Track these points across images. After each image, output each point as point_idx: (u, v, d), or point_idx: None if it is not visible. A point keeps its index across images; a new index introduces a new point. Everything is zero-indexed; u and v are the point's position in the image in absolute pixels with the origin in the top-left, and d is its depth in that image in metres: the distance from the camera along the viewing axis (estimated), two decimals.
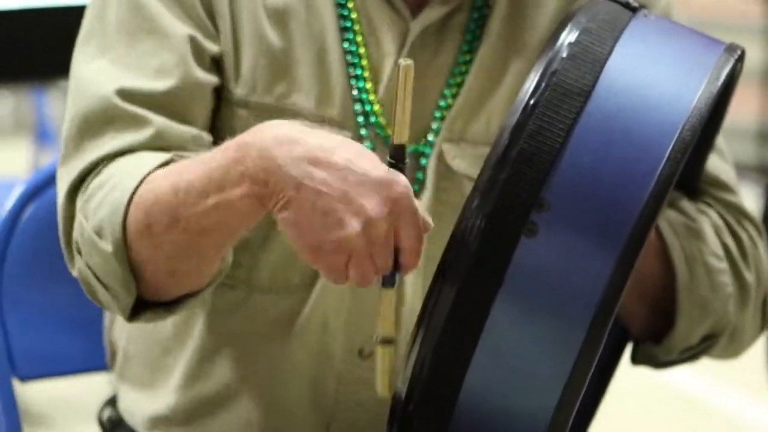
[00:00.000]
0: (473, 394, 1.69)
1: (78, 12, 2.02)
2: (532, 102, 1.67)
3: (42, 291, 2.15)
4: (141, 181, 1.79)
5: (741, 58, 1.83)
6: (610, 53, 1.73)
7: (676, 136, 1.69)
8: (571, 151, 1.67)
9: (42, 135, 4.92)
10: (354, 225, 1.66)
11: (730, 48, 1.81)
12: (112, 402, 2.12)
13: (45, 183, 2.18)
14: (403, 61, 1.67)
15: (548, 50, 1.71)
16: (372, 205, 1.66)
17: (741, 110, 6.82)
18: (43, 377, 2.23)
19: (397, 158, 1.69)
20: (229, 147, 1.71)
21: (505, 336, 1.66)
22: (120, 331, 2.08)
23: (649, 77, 1.74)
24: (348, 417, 1.99)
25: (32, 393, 2.32)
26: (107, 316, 2.10)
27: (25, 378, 2.18)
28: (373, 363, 1.85)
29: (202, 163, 1.73)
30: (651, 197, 1.66)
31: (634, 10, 1.80)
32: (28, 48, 3.12)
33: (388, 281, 1.72)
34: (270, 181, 1.67)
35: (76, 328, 2.18)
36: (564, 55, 1.70)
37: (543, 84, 1.68)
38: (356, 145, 1.69)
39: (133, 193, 1.78)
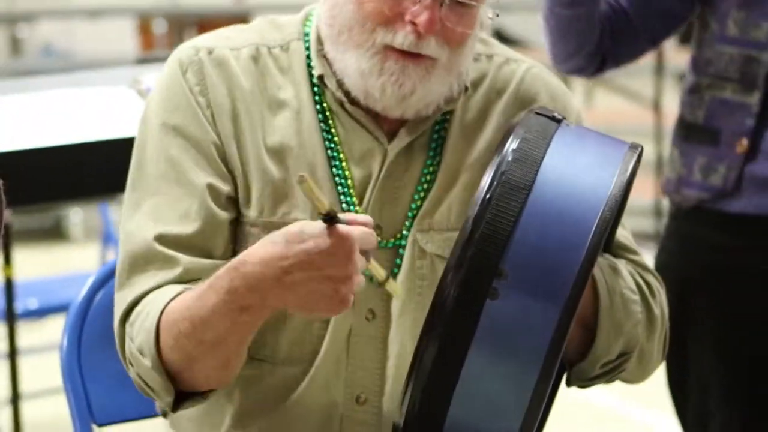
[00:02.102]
0: (455, 423, 1.78)
1: (127, 143, 2.12)
2: (488, 196, 1.77)
3: (110, 356, 2.10)
4: (162, 312, 1.89)
5: (641, 154, 1.94)
6: (544, 155, 1.84)
7: (599, 215, 1.79)
8: (521, 232, 1.77)
9: (107, 237, 4.97)
10: (327, 286, 1.78)
11: (633, 146, 1.94)
12: None
13: (109, 275, 2.22)
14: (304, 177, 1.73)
15: (497, 156, 1.82)
16: (340, 269, 1.77)
17: (641, 193, 6.83)
18: (114, 423, 2.25)
19: (328, 218, 1.76)
20: (219, 282, 1.83)
21: (478, 377, 1.76)
22: None
23: (575, 172, 1.84)
24: None
25: None
26: None
27: (101, 424, 2.22)
28: (368, 407, 2.03)
29: (208, 297, 1.84)
30: (584, 262, 1.76)
31: (558, 121, 1.91)
32: (93, 172, 3.12)
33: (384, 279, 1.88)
34: (260, 300, 1.81)
35: None
36: (509, 159, 1.81)
37: (495, 182, 1.78)
38: (293, 236, 1.78)
39: (159, 321, 1.89)
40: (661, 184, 2.87)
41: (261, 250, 1.79)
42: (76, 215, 7.32)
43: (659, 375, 2.77)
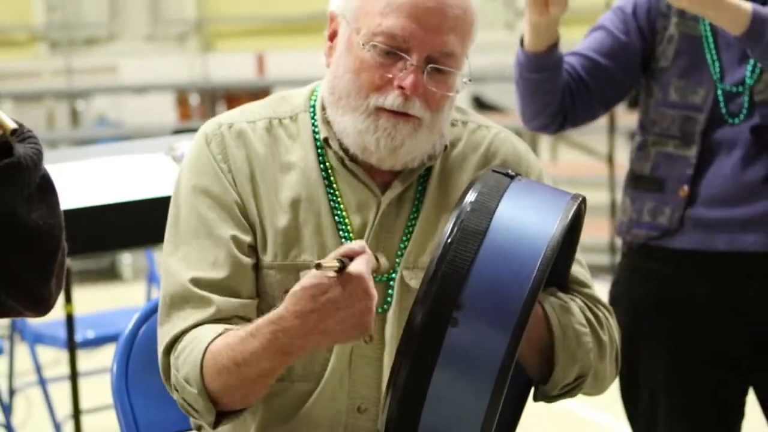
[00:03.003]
0: (426, 429, 1.79)
1: (164, 201, 2.13)
2: (449, 240, 1.79)
3: (153, 379, 2.10)
4: (206, 349, 1.91)
5: (583, 202, 1.95)
6: (497, 206, 1.84)
7: (542, 256, 1.80)
8: (476, 271, 1.78)
9: (152, 277, 4.98)
10: (353, 319, 1.81)
11: (575, 196, 1.93)
12: None
13: (151, 311, 2.22)
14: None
15: (458, 207, 1.83)
16: (341, 304, 1.80)
17: (598, 232, 6.74)
18: None
19: (340, 267, 1.79)
20: (259, 327, 1.86)
21: (443, 392, 1.77)
22: None
23: (523, 220, 1.85)
24: None
25: None
26: None
27: None
28: (368, 415, 2.03)
29: (245, 337, 1.88)
30: (529, 294, 1.77)
31: (512, 177, 1.91)
32: (137, 225, 3.14)
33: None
34: (300, 346, 1.85)
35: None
36: (468, 209, 1.82)
37: (455, 228, 1.80)
38: (306, 286, 1.81)
39: (203, 358, 1.91)
40: (615, 226, 2.87)
41: (292, 308, 1.82)
42: (127, 258, 7.34)
43: (617, 383, 2.78)
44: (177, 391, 1.96)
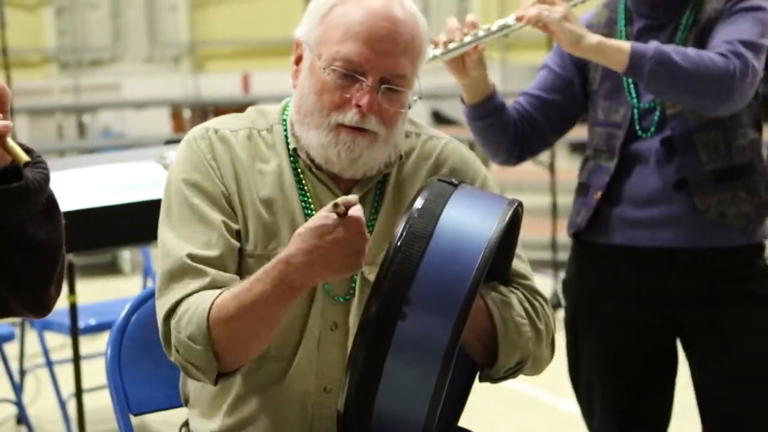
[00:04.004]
0: (380, 409, 1.79)
1: (156, 204, 2.11)
2: (398, 243, 1.80)
3: (143, 361, 2.18)
4: (211, 306, 1.90)
5: (519, 206, 1.94)
6: (441, 211, 1.85)
7: (481, 255, 1.80)
8: (423, 270, 1.78)
9: (147, 270, 4.96)
10: (351, 257, 1.84)
11: (511, 202, 1.93)
12: (186, 424, 2.16)
13: (141, 301, 2.25)
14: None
15: (406, 213, 1.84)
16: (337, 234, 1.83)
17: (541, 231, 6.55)
18: (147, 412, 2.25)
19: (342, 212, 1.82)
20: (267, 271, 1.87)
21: (394, 376, 1.78)
22: (188, 385, 2.15)
23: (465, 223, 1.85)
24: (321, 428, 2.05)
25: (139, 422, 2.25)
26: (181, 377, 2.15)
27: (136, 413, 2.21)
28: (332, 395, 2.01)
29: (251, 284, 1.88)
30: (470, 290, 1.78)
31: (455, 185, 1.91)
32: (136, 225, 3.13)
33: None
34: (308, 279, 1.88)
35: (167, 381, 2.19)
36: (415, 215, 1.83)
37: (404, 232, 1.81)
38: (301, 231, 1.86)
39: (209, 313, 1.90)
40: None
41: (301, 245, 1.84)
42: (126, 254, 7.30)
43: (564, 365, 2.78)
44: (179, 352, 1.93)
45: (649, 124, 2.67)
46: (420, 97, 2.05)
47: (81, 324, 3.92)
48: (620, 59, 2.53)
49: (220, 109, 9.28)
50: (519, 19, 2.57)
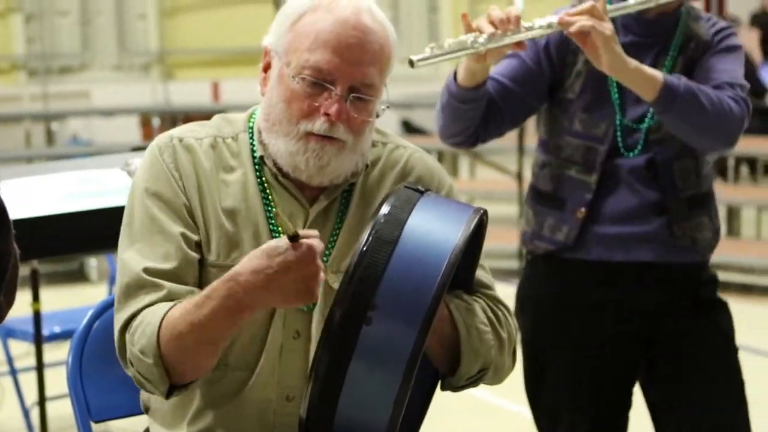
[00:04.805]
0: (343, 415, 1.78)
1: (120, 210, 2.09)
2: (364, 248, 1.78)
3: (104, 369, 2.16)
4: (162, 319, 1.90)
5: (485, 214, 1.93)
6: (408, 218, 1.83)
7: (447, 261, 1.79)
8: (388, 275, 1.77)
9: (113, 279, 4.93)
10: (301, 284, 1.83)
11: (476, 210, 1.92)
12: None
13: (103, 309, 2.23)
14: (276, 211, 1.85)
15: (373, 218, 1.83)
16: (292, 266, 1.82)
17: (508, 240, 6.56)
18: (108, 420, 2.24)
19: (294, 237, 1.81)
20: (215, 288, 1.87)
21: (358, 382, 1.76)
22: (148, 395, 2.12)
23: (431, 230, 1.84)
24: None
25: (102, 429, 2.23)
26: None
27: (97, 420, 2.20)
28: (295, 403, 2.00)
29: (201, 301, 1.87)
30: (435, 296, 1.77)
31: (422, 192, 1.90)
32: (99, 232, 3.11)
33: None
34: (254, 300, 1.86)
35: (129, 388, 2.11)
36: (382, 220, 1.81)
37: (370, 238, 1.79)
38: (256, 251, 1.85)
39: (159, 328, 1.89)
40: (520, 235, 2.86)
41: (249, 264, 1.84)
42: (93, 262, 7.26)
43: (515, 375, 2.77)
44: (132, 365, 1.93)
45: (634, 143, 2.67)
46: (388, 106, 2.04)
47: (45, 332, 3.89)
48: (651, 89, 2.53)
49: (189, 117, 9.26)
50: (563, 23, 2.51)
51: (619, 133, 2.67)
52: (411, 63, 2.40)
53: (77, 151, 8.99)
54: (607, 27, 2.49)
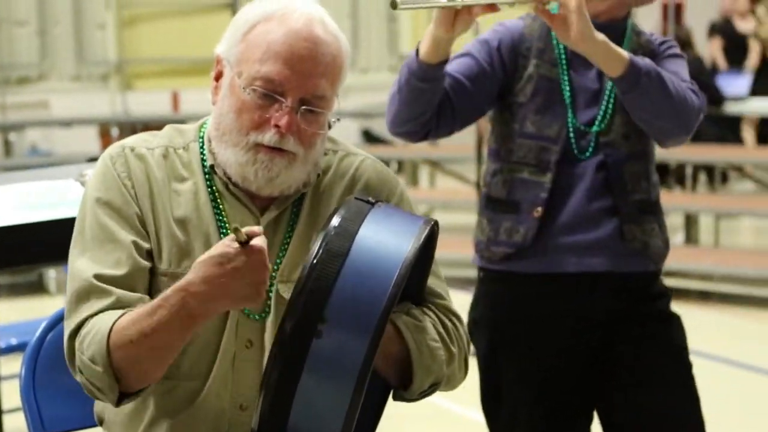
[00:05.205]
0: (295, 426, 1.78)
1: (72, 222, 2.07)
2: (314, 261, 1.78)
3: (58, 381, 2.15)
4: (111, 327, 1.89)
5: (435, 225, 1.93)
6: (358, 230, 1.83)
7: (397, 273, 1.79)
8: (338, 288, 1.77)
9: None
10: (252, 288, 1.84)
11: (427, 221, 1.92)
12: None
13: (56, 321, 2.21)
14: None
15: (323, 230, 1.82)
16: (237, 261, 1.82)
17: (467, 250, 6.69)
18: None
19: (245, 242, 1.82)
20: (167, 297, 1.87)
21: (309, 394, 1.76)
22: (101, 405, 2.12)
23: (381, 242, 1.83)
24: None
25: None
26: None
27: None
28: (248, 412, 1.98)
29: (152, 310, 1.87)
30: (384, 310, 1.77)
31: (372, 204, 1.90)
32: (55, 241, 3.11)
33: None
34: (207, 309, 1.86)
35: (83, 400, 2.10)
36: (332, 233, 1.81)
37: (320, 250, 1.79)
38: (206, 256, 1.85)
39: (109, 335, 1.89)
40: (474, 246, 2.85)
41: (200, 272, 1.83)
42: (52, 273, 7.21)
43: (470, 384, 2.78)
44: (81, 372, 1.92)
45: (586, 145, 2.69)
46: (338, 119, 2.04)
47: (2, 343, 3.87)
48: (617, 65, 2.55)
49: (149, 127, 9.14)
50: None
51: (572, 135, 2.68)
52: (393, 5, 2.31)
53: (36, 162, 8.95)
54: None
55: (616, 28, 2.72)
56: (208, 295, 1.83)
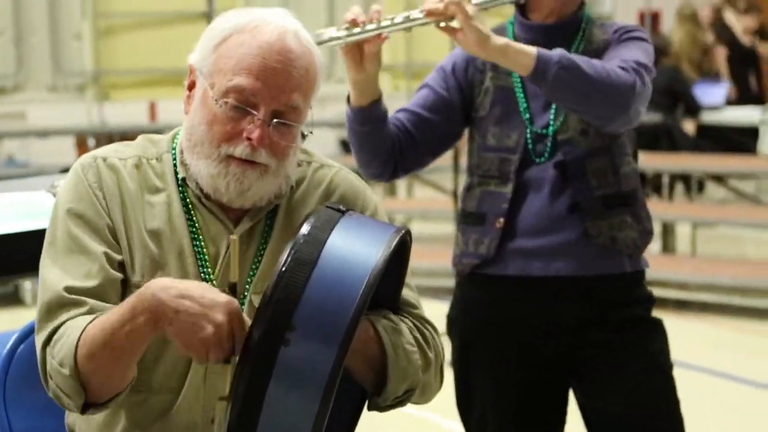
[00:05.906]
0: None
1: (42, 233, 2.06)
2: (283, 269, 1.77)
3: (29, 395, 2.14)
4: (82, 332, 1.88)
5: (407, 234, 1.92)
6: (327, 238, 1.82)
7: (365, 282, 1.78)
8: (307, 296, 1.76)
9: None
10: (209, 329, 1.79)
11: (398, 229, 1.91)
12: None
13: (29, 332, 2.19)
14: (234, 237, 1.85)
15: (293, 239, 1.81)
16: (219, 316, 1.79)
17: (444, 260, 6.76)
18: None
19: (232, 291, 1.83)
20: (130, 299, 1.85)
21: (277, 404, 1.75)
22: (72, 417, 2.11)
23: (351, 250, 1.82)
24: None
25: None
26: (66, 411, 2.11)
27: None
28: (218, 425, 1.97)
29: (118, 312, 1.86)
30: (352, 319, 1.75)
31: (342, 212, 1.89)
32: (27, 253, 3.09)
33: (229, 359, 1.82)
34: (159, 311, 1.81)
35: (53, 413, 2.13)
36: (301, 241, 1.79)
37: (289, 258, 1.77)
38: (206, 285, 1.86)
39: (78, 339, 1.87)
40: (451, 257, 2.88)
41: (180, 304, 1.80)
42: (28, 285, 7.18)
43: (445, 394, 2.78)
44: (51, 379, 1.91)
45: (543, 148, 2.70)
46: (311, 132, 2.03)
47: None
48: (526, 62, 2.55)
49: (126, 137, 9.07)
50: (426, 12, 2.53)
51: (530, 142, 2.70)
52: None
53: (13, 173, 8.90)
54: (466, 7, 2.50)
55: (567, 26, 2.74)
56: (180, 326, 1.80)
